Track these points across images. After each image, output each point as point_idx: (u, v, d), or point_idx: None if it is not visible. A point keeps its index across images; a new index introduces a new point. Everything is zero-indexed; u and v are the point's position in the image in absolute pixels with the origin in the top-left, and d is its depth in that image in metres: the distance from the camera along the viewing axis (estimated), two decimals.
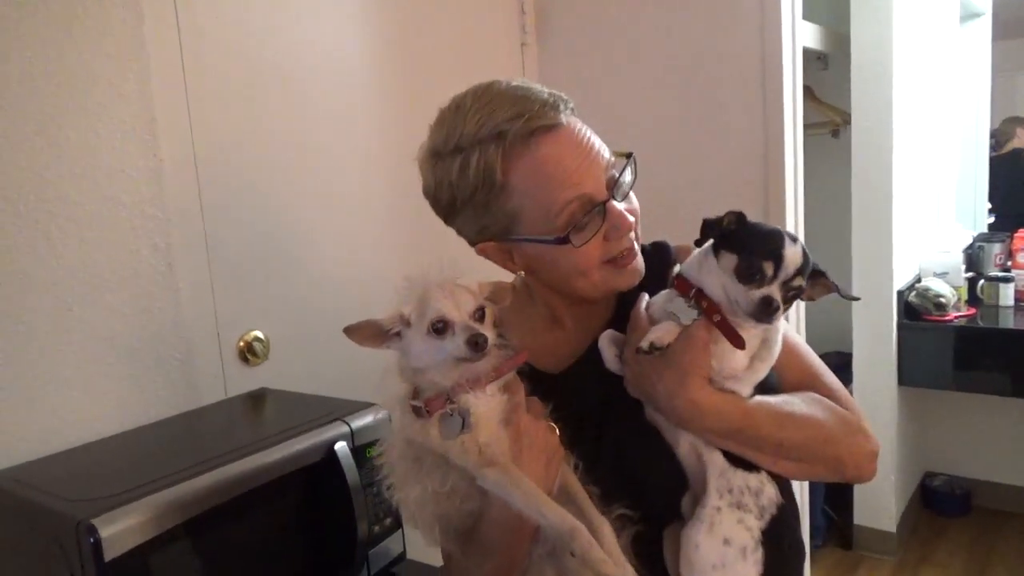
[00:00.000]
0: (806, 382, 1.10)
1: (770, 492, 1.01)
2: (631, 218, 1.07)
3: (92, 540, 0.96)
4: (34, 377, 1.30)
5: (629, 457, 1.06)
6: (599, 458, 1.05)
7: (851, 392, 3.48)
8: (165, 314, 1.49)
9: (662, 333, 0.99)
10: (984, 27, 4.19)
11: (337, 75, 1.86)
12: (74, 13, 1.35)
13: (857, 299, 1.03)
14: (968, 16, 4.16)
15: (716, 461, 1.01)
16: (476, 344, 0.90)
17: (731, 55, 2.15)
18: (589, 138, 1.06)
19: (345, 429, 1.31)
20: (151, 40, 1.45)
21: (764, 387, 1.03)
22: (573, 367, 1.15)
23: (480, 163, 1.02)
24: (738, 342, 0.97)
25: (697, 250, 1.02)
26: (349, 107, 1.89)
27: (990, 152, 4.30)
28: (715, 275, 0.98)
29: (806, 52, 3.09)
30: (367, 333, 0.96)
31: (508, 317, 1.14)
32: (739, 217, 0.98)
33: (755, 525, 0.98)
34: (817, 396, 1.08)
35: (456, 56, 2.18)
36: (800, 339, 1.16)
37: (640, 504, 1.02)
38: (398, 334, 0.96)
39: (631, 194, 1.11)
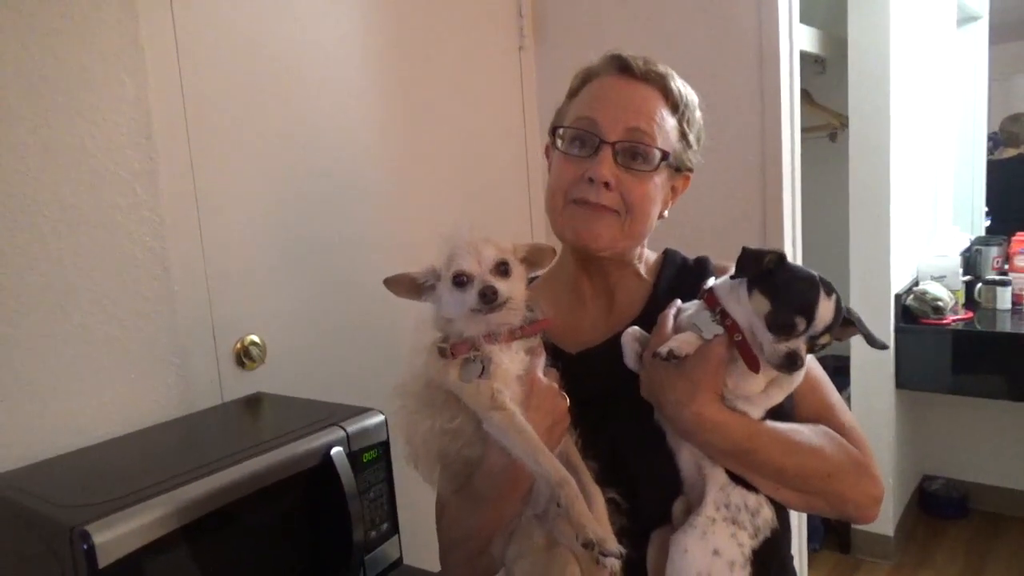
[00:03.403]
0: (822, 415, 1.10)
1: (767, 514, 1.01)
2: (610, 180, 1.10)
3: (85, 547, 0.95)
4: (28, 382, 1.29)
5: (625, 453, 1.07)
6: (595, 446, 1.06)
7: (849, 395, 3.50)
8: (161, 318, 1.48)
9: (682, 343, 1.00)
10: (981, 31, 4.21)
11: (335, 78, 1.85)
12: (69, 15, 1.34)
13: (886, 346, 1.01)
14: (965, 19, 4.17)
15: (717, 476, 1.01)
16: (485, 296, 0.96)
17: (728, 59, 2.15)
18: (641, 101, 1.14)
19: (341, 434, 1.30)
20: (147, 41, 1.45)
21: (777, 413, 1.03)
22: (589, 352, 1.17)
23: (576, 79, 1.22)
24: (754, 365, 0.97)
25: (731, 274, 1.01)
26: (347, 110, 1.88)
27: (987, 155, 4.30)
28: (745, 309, 0.97)
29: (803, 56, 3.09)
30: (404, 285, 1.04)
31: (540, 297, 1.15)
32: (780, 259, 0.96)
33: (747, 543, 0.98)
34: (829, 431, 1.08)
35: (454, 59, 2.17)
36: (823, 372, 1.16)
37: (629, 499, 1.03)
38: (432, 287, 1.02)
39: (648, 185, 1.13)
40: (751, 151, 2.15)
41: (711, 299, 1.02)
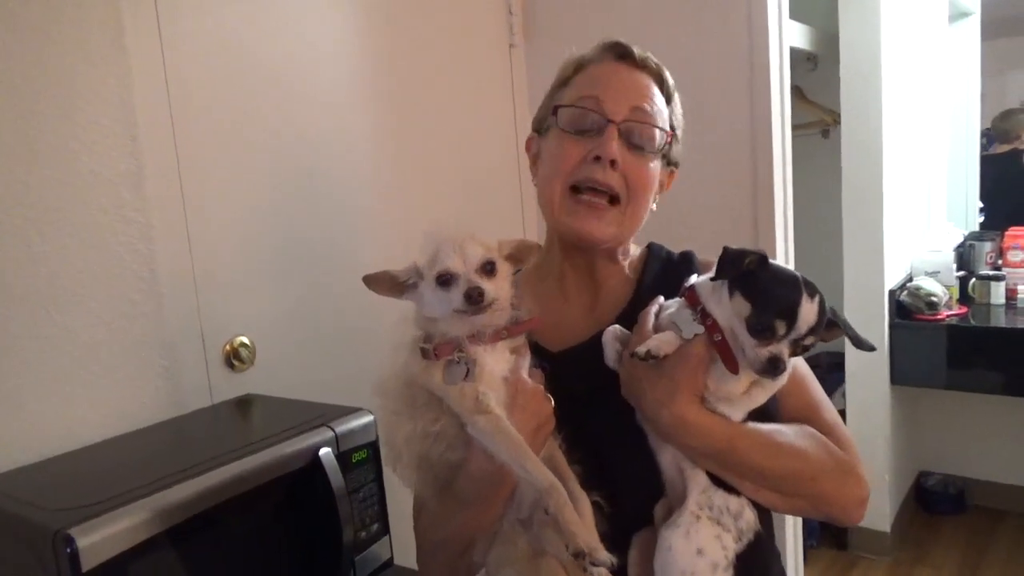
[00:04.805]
0: (806, 415, 1.09)
1: (749, 517, 1.00)
2: (617, 158, 1.09)
3: (69, 551, 0.94)
4: (15, 386, 1.28)
5: (607, 453, 1.06)
6: (578, 446, 1.05)
7: (844, 392, 3.50)
8: (149, 320, 1.47)
9: (661, 343, 0.98)
10: (973, 26, 4.21)
11: (323, 77, 1.84)
12: (53, 18, 1.33)
13: (873, 348, 0.99)
14: (957, 16, 4.18)
15: (698, 479, 1.00)
16: (471, 297, 0.93)
17: (718, 56, 2.14)
18: (642, 85, 1.14)
19: (330, 435, 1.30)
20: (132, 43, 1.44)
21: (761, 412, 1.01)
22: (572, 350, 1.16)
23: (567, 68, 1.20)
24: (733, 366, 0.95)
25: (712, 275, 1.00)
26: (336, 109, 1.87)
27: (981, 151, 4.30)
28: (726, 311, 0.95)
29: (796, 53, 3.09)
30: (385, 283, 1.01)
31: (525, 291, 1.14)
32: (760, 260, 0.94)
33: (731, 546, 0.97)
34: (813, 431, 1.06)
35: (444, 58, 2.17)
36: (808, 370, 1.15)
37: (611, 502, 1.01)
38: (414, 285, 1.00)
39: (649, 167, 1.14)
40: (742, 148, 2.15)
41: (692, 297, 1.00)
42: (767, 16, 2.08)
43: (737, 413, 0.99)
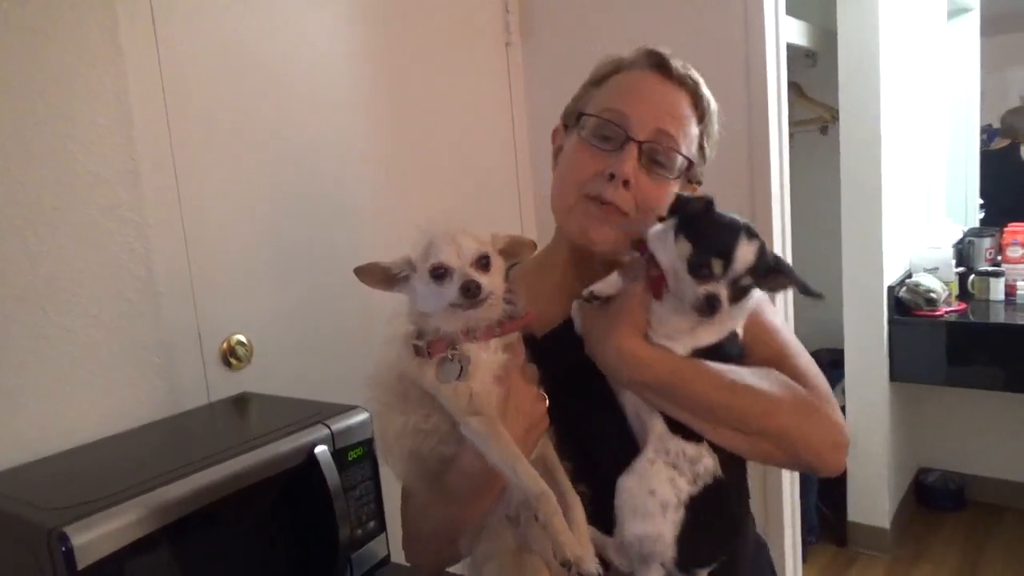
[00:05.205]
0: (775, 361, 1.07)
1: (708, 463, 1.00)
2: (631, 179, 1.08)
3: (64, 548, 0.95)
4: (12, 386, 1.28)
5: (591, 432, 1.07)
6: (562, 426, 1.05)
7: (843, 388, 3.49)
8: (146, 319, 1.47)
9: (605, 284, 1.03)
10: (972, 23, 4.20)
11: (320, 76, 1.84)
12: (50, 18, 1.33)
13: (821, 296, 0.99)
14: (956, 12, 4.17)
15: (656, 426, 1.02)
16: (468, 290, 0.92)
17: (715, 53, 2.14)
18: (674, 104, 1.13)
19: (326, 432, 1.30)
20: (127, 43, 1.44)
21: (723, 359, 1.02)
22: (553, 332, 1.17)
23: (604, 67, 1.19)
24: (657, 293, 1.00)
25: (665, 222, 1.03)
26: (333, 107, 1.87)
27: (981, 147, 4.30)
28: (670, 252, 0.99)
29: (795, 50, 3.10)
30: (376, 276, 0.99)
31: (521, 285, 1.13)
32: (707, 205, 0.98)
33: (685, 488, 0.98)
34: (777, 373, 1.04)
35: (441, 56, 2.17)
36: (779, 319, 1.14)
37: (600, 481, 1.01)
38: (406, 278, 0.99)
39: (664, 191, 1.12)
40: (739, 146, 2.14)
41: (643, 246, 1.04)
42: (763, 13, 2.08)
43: (679, 348, 1.00)
